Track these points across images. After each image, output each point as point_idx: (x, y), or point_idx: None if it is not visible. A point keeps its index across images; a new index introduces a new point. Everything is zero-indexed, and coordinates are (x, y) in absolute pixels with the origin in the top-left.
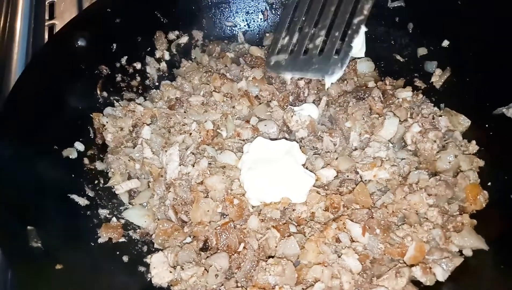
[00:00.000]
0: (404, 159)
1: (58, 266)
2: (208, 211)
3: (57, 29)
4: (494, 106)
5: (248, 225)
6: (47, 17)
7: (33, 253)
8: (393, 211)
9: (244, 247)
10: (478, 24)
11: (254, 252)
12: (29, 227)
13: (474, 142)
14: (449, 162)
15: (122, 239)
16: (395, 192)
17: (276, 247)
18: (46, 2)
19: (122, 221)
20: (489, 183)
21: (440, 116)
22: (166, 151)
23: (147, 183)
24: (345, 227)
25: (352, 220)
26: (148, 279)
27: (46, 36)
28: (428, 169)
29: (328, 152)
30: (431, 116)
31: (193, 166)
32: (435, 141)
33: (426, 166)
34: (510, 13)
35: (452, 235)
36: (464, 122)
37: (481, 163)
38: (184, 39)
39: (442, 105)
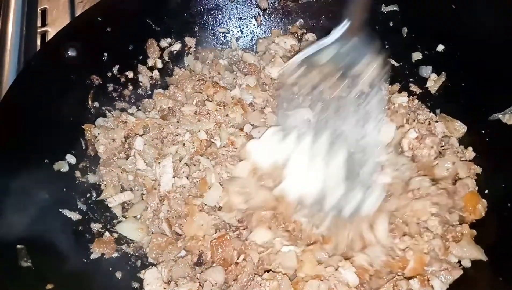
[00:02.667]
0: (404, 164)
1: (49, 286)
2: (202, 225)
3: (49, 36)
4: (490, 112)
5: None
6: (39, 24)
7: (22, 273)
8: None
9: (244, 259)
10: (473, 28)
11: (253, 265)
12: (18, 246)
13: (470, 148)
14: (447, 169)
15: (115, 254)
16: (400, 197)
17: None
18: (38, 9)
19: (115, 235)
20: (486, 191)
21: (436, 121)
22: (159, 163)
23: (141, 195)
24: None
25: None
26: None
27: (39, 43)
28: (427, 175)
29: None
30: (427, 122)
31: (187, 178)
32: (432, 147)
33: (424, 173)
34: (506, 17)
35: (451, 245)
36: (460, 128)
37: (478, 170)
38: (176, 47)
39: (437, 111)
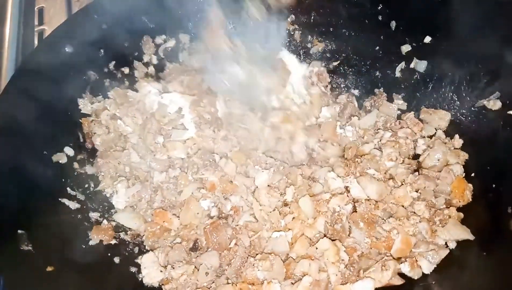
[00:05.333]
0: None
1: (49, 268)
2: (198, 213)
3: (46, 34)
4: (475, 100)
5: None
6: (36, 22)
7: (23, 256)
8: (376, 205)
9: (235, 244)
10: (457, 20)
11: (245, 249)
12: (19, 231)
13: (457, 136)
14: (438, 160)
15: (113, 241)
16: (381, 184)
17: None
18: (35, 8)
19: (113, 223)
20: (473, 174)
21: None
22: (154, 155)
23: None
24: None
25: None
26: (140, 279)
27: (36, 42)
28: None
29: None
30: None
31: (181, 169)
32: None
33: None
34: (488, 8)
35: (438, 228)
36: (445, 116)
37: (466, 156)
38: (171, 43)
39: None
